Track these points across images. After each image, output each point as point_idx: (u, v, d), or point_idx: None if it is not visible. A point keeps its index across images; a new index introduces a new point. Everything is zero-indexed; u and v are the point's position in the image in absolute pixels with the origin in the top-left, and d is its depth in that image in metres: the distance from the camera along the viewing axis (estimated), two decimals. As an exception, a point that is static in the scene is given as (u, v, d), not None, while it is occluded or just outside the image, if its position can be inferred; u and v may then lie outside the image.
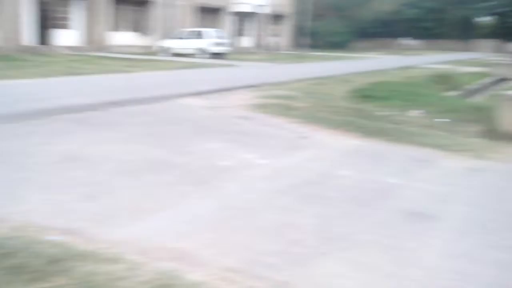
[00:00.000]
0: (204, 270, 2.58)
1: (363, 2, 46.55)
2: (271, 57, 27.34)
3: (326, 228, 3.29)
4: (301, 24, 41.27)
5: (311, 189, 4.12)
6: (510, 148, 5.96)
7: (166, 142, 5.62)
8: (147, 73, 15.01)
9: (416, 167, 5.07)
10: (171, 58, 23.46)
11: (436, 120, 7.84)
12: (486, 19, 48.32)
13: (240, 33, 38.34)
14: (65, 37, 25.85)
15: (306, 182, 4.31)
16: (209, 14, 34.69)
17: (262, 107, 8.31)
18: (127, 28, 29.70)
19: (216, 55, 24.86)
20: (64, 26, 26.18)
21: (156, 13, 30.83)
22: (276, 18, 41.41)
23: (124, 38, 28.92)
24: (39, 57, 19.64)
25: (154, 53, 26.08)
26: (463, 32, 50.44)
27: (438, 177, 4.72)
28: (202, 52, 24.86)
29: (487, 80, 18.38)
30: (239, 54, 28.69)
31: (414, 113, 8.42)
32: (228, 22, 36.47)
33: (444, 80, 15.03)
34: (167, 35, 28.17)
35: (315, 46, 39.73)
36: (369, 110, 8.69)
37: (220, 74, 16.03)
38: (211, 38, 25.66)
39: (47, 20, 25.00)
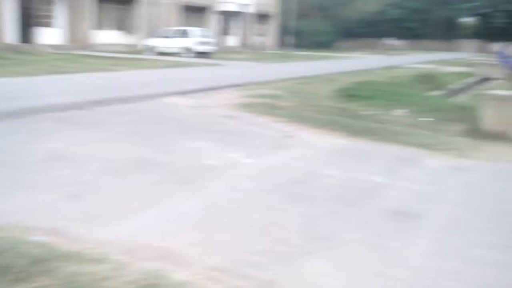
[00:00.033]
0: (189, 269, 2.57)
1: (348, 2, 46.80)
2: (257, 56, 27.35)
3: (311, 227, 3.30)
4: (286, 24, 41.35)
5: (296, 188, 4.13)
6: (493, 147, 6.05)
7: (151, 141, 5.59)
8: (132, 72, 14.91)
9: (401, 166, 5.12)
10: (156, 57, 23.33)
11: (420, 119, 7.92)
12: (469, 20, 48.92)
13: (225, 32, 38.27)
14: (49, 36, 25.53)
15: (291, 181, 4.31)
16: (195, 13, 34.56)
17: (248, 106, 8.31)
18: (111, 27, 29.44)
19: (202, 54, 24.78)
20: (47, 24, 25.86)
21: (141, 12, 30.62)
22: (262, 17, 41.43)
23: (108, 36, 28.66)
24: (22, 55, 19.37)
25: (139, 52, 25.90)
26: (446, 32, 51.02)
27: (422, 176, 4.77)
28: (188, 51, 24.76)
29: (470, 79, 18.61)
30: (225, 53, 28.64)
31: (398, 112, 8.49)
32: (213, 21, 36.38)
33: (428, 79, 15.18)
34: (152, 34, 27.99)
35: (300, 45, 39.83)
36: (354, 109, 8.73)
37: (205, 73, 15.98)
38: (197, 37, 25.57)
39: (30, 18, 24.67)
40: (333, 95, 10.56)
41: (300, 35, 41.57)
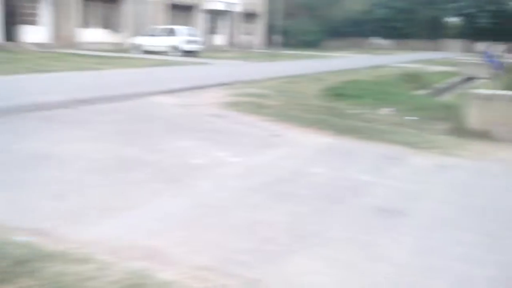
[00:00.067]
0: (175, 268, 2.56)
1: (334, 1, 46.95)
2: (244, 55, 27.33)
3: (298, 226, 3.31)
4: (273, 23, 41.37)
5: (283, 187, 4.13)
6: (477, 146, 6.11)
7: (137, 140, 5.56)
8: (118, 71, 14.80)
9: (387, 164, 5.15)
10: (143, 55, 23.18)
11: (405, 118, 7.97)
12: (455, 20, 49.43)
13: (212, 31, 38.17)
14: (33, 34, 25.22)
15: (278, 180, 4.32)
16: (182, 11, 34.41)
17: (235, 105, 8.29)
18: (97, 25, 29.19)
19: (189, 53, 24.68)
20: (32, 22, 25.55)
21: (127, 10, 30.41)
22: (249, 16, 41.41)
23: (94, 35, 28.41)
24: (5, 53, 19.12)
25: (125, 50, 25.72)
26: (432, 32, 51.50)
27: (408, 174, 4.80)
28: (174, 50, 24.65)
29: (455, 79, 18.81)
30: (212, 52, 28.57)
31: (384, 111, 8.55)
32: (200, 20, 36.26)
33: (414, 79, 15.31)
34: (139, 32, 27.82)
35: (287, 44, 39.88)
36: (341, 108, 8.77)
37: (192, 72, 15.93)
38: (184, 36, 25.47)
39: (14, 16, 24.34)
40: (320, 94, 10.60)
41: (288, 34, 41.63)
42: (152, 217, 3.30)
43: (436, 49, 48.39)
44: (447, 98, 13.45)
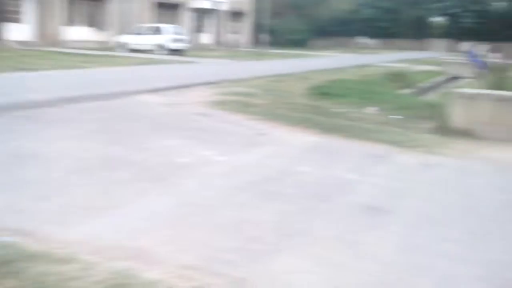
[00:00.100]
0: (161, 268, 2.54)
1: (321, 0, 47.14)
2: (231, 54, 27.29)
3: (285, 225, 3.31)
4: (260, 22, 41.38)
5: (270, 185, 4.13)
6: (461, 144, 6.18)
7: (122, 139, 5.51)
8: (103, 69, 14.68)
9: (373, 162, 5.18)
10: (129, 54, 23.02)
11: (390, 117, 8.03)
12: (440, 20, 49.89)
13: (199, 29, 38.04)
14: (17, 31, 24.88)
15: (265, 179, 4.32)
16: (168, 10, 34.24)
17: (221, 104, 8.28)
18: (82, 23, 28.92)
19: (175, 52, 24.57)
20: (16, 20, 25.21)
21: (113, 8, 30.17)
22: (236, 15, 41.35)
23: (79, 33, 28.13)
24: (-12, 51, 18.85)
25: (110, 49, 25.51)
26: (418, 31, 51.91)
27: (393, 172, 4.84)
28: (161, 48, 24.52)
29: (439, 78, 18.99)
30: (198, 50, 28.48)
31: (370, 110, 8.60)
32: (187, 19, 36.11)
33: (399, 78, 15.42)
34: (124, 31, 27.61)
35: (274, 43, 39.91)
36: (327, 107, 8.81)
37: (178, 71, 15.86)
38: (170, 34, 25.35)
39: (-2, 13, 24.04)
40: (307, 93, 10.62)
41: (275, 33, 41.66)
42: (138, 216, 3.28)
43: (421, 49, 48.80)
44: (431, 97, 13.57)
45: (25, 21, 25.66)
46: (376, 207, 3.76)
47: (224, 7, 38.68)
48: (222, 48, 34.32)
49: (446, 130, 6.75)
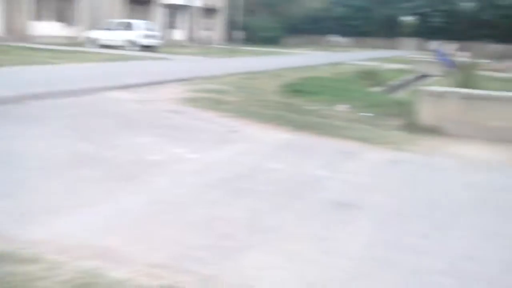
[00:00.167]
0: (129, 266, 2.51)
1: (294, -2, 47.38)
2: (203, 51, 27.15)
3: (256, 221, 3.32)
4: (233, 19, 41.31)
5: (241, 182, 4.13)
6: (428, 141, 6.30)
7: (92, 136, 5.43)
8: (72, 65, 14.40)
9: (343, 159, 5.24)
10: (99, 49, 22.65)
11: (361, 114, 8.13)
12: (410, 19, 50.75)
13: (171, 26, 37.72)
14: (-18, 26, 24.24)
15: (236, 176, 4.32)
16: (139, 5, 33.82)
17: (193, 101, 8.23)
18: (50, 18, 28.30)
19: (147, 48, 24.31)
20: (-19, 14, 24.55)
21: (82, 3, 29.62)
22: (209, 11, 41.16)
23: (47, 28, 27.52)
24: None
25: (80, 44, 25.05)
26: (389, 30, 52.71)
27: (362, 168, 4.90)
28: (132, 44, 24.23)
29: (409, 76, 19.31)
30: (171, 47, 28.23)
31: (341, 107, 8.69)
32: (159, 15, 35.75)
33: (370, 76, 15.62)
34: (94, 26, 27.15)
35: (248, 41, 39.93)
36: (299, 104, 8.85)
37: (150, 67, 15.68)
38: (141, 30, 25.07)
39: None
40: (279, 90, 10.66)
41: (248, 31, 41.68)
42: (107, 215, 3.24)
43: (392, 47, 49.56)
44: (401, 95, 13.78)
45: (-9, 15, 24.99)
46: (346, 203, 3.80)
47: (197, 3, 38.45)
48: (195, 45, 34.11)
49: (414, 127, 6.87)
